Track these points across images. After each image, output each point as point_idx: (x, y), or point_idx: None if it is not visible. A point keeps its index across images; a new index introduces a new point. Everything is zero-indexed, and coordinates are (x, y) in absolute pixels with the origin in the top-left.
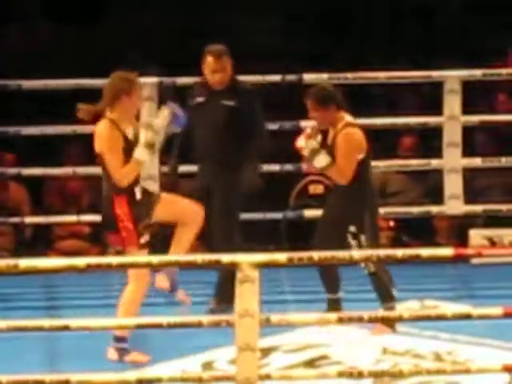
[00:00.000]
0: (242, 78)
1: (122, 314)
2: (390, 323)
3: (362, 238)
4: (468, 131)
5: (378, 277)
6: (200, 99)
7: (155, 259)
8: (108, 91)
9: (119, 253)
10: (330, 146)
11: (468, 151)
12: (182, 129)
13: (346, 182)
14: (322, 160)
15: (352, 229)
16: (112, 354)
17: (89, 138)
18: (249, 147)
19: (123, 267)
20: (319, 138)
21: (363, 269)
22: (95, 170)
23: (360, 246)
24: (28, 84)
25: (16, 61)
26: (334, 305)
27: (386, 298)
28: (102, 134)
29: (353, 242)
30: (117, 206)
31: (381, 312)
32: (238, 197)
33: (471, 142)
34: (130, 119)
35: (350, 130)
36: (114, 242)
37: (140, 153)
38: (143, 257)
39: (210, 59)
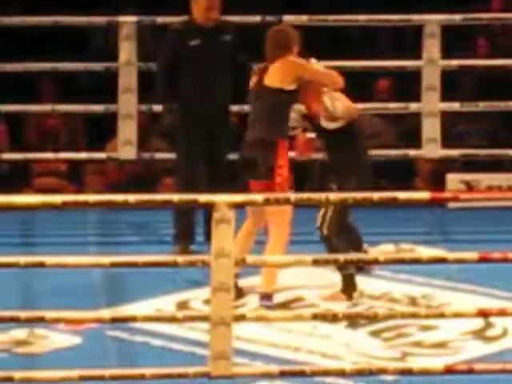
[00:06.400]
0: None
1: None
2: (348, 292)
3: None
4: (454, 76)
5: (330, 242)
6: (195, 41)
7: (132, 198)
8: (275, 46)
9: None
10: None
11: (449, 96)
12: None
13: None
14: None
15: None
16: None
17: (66, 75)
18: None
19: (99, 205)
20: None
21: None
22: (74, 108)
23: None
24: (6, 20)
25: None
26: None
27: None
28: (293, 63)
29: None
30: (280, 151)
31: (356, 256)
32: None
33: (455, 86)
34: None
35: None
36: (257, 189)
37: None
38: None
39: None
